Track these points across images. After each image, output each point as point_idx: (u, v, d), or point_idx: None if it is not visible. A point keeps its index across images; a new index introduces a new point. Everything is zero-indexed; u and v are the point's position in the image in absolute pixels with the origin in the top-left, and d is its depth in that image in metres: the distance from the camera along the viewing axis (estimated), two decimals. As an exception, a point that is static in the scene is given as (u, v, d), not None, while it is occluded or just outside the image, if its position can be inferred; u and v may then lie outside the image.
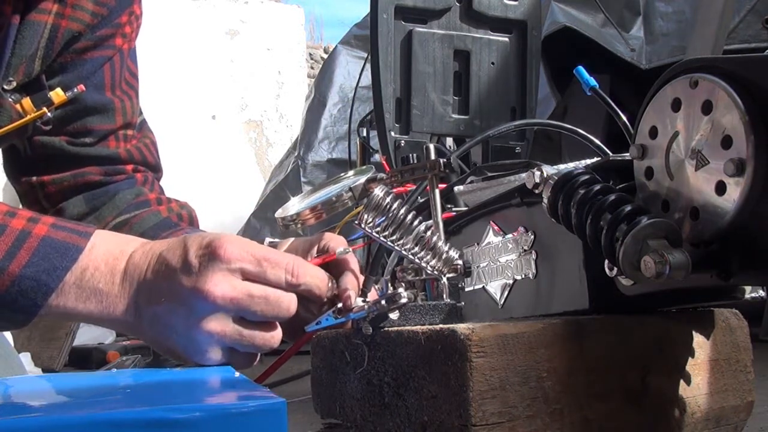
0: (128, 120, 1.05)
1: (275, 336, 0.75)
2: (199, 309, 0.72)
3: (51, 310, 0.72)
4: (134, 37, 1.05)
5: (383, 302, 0.70)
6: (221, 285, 0.72)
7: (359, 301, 0.74)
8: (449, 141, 2.35)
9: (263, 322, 0.75)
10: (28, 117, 0.91)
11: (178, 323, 0.73)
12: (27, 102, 0.92)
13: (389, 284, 0.72)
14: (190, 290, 0.72)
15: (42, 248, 0.71)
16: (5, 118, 0.91)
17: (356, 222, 0.78)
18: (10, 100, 0.91)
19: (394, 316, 0.71)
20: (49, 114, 0.93)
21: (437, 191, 0.89)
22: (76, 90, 0.95)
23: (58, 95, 0.93)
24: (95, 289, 0.73)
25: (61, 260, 0.72)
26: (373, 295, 0.77)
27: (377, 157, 2.62)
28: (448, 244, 0.83)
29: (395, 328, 0.72)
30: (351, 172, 0.96)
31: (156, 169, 1.12)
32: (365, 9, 2.47)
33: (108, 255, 0.75)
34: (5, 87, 0.90)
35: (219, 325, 0.73)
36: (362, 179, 0.93)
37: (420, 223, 0.80)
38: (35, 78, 0.92)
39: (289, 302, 0.75)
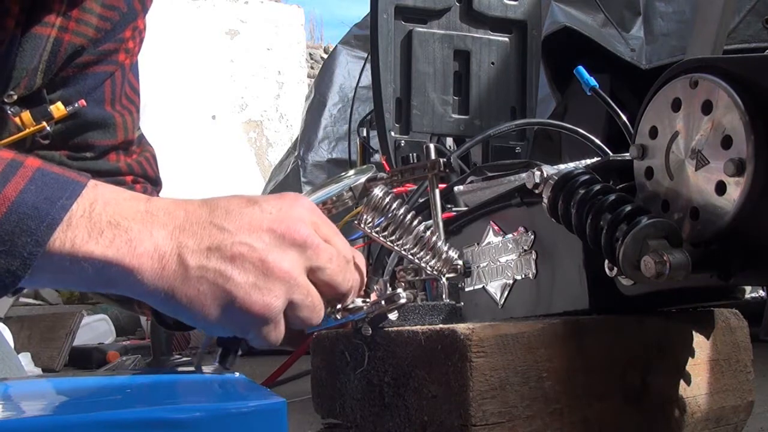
0: (129, 135, 1.05)
1: (322, 312, 0.67)
2: (273, 246, 0.62)
3: (54, 257, 0.58)
4: (137, 51, 1.04)
5: (382, 303, 0.70)
6: (301, 225, 0.64)
7: (359, 302, 0.74)
8: (449, 141, 2.35)
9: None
10: (27, 131, 0.91)
11: (243, 266, 0.61)
12: (26, 115, 0.91)
13: (387, 284, 0.72)
14: (270, 221, 0.62)
15: (38, 177, 0.59)
16: (4, 131, 0.91)
17: (356, 222, 0.78)
18: (9, 112, 0.90)
19: (393, 316, 0.70)
20: (48, 128, 0.92)
21: (437, 191, 0.89)
22: (77, 105, 0.94)
23: (58, 109, 0.93)
24: (110, 222, 0.59)
25: (62, 191, 0.59)
26: (373, 295, 0.77)
27: (377, 157, 2.62)
28: (447, 244, 0.83)
29: (395, 328, 0.72)
30: (351, 172, 0.96)
31: (155, 183, 1.11)
32: (365, 9, 2.47)
33: (117, 195, 0.62)
34: (5, 100, 0.89)
35: (292, 266, 0.62)
36: (362, 179, 0.93)
37: (419, 223, 0.80)
38: (36, 91, 0.91)
39: (353, 272, 0.68)
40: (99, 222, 0.59)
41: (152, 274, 0.60)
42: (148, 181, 1.09)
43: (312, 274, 0.65)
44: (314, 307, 0.65)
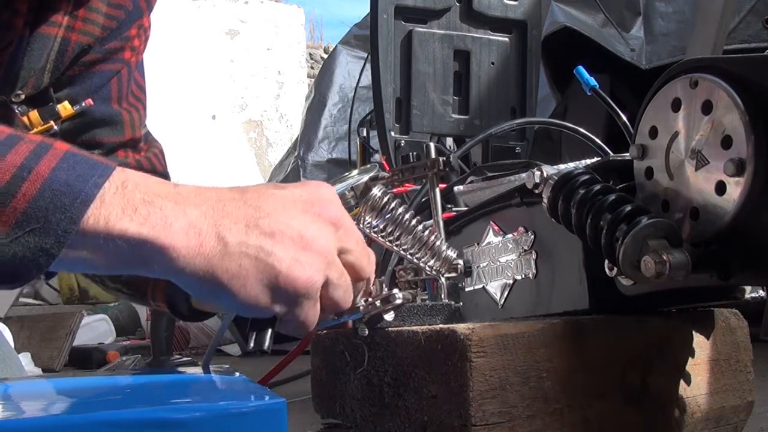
0: (136, 133, 1.05)
1: (352, 295, 0.67)
2: (309, 224, 0.62)
3: (88, 234, 0.57)
4: (142, 49, 1.04)
5: (378, 303, 0.70)
6: (332, 206, 0.65)
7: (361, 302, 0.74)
8: (449, 141, 2.35)
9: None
10: (35, 130, 0.91)
11: (283, 241, 0.61)
12: (34, 115, 0.91)
13: (383, 284, 0.72)
14: (303, 202, 0.64)
15: (69, 158, 0.58)
16: None
17: (355, 222, 0.78)
18: (17, 112, 0.90)
19: (389, 316, 0.70)
20: (55, 127, 0.93)
21: (437, 190, 0.89)
22: (84, 104, 0.94)
23: (65, 108, 0.93)
24: (144, 199, 0.59)
25: (93, 170, 0.58)
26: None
27: (377, 157, 2.63)
28: (446, 244, 0.83)
29: (395, 328, 0.72)
30: (355, 171, 0.96)
31: (164, 178, 1.11)
32: (365, 9, 2.47)
33: (146, 178, 0.61)
34: (13, 99, 0.90)
35: (328, 243, 0.63)
36: (365, 178, 0.93)
37: (418, 222, 0.80)
38: (43, 90, 0.92)
39: (373, 258, 0.68)
40: (132, 199, 0.59)
41: (189, 251, 0.59)
42: (157, 176, 1.09)
43: (341, 255, 0.65)
44: (347, 288, 0.65)
